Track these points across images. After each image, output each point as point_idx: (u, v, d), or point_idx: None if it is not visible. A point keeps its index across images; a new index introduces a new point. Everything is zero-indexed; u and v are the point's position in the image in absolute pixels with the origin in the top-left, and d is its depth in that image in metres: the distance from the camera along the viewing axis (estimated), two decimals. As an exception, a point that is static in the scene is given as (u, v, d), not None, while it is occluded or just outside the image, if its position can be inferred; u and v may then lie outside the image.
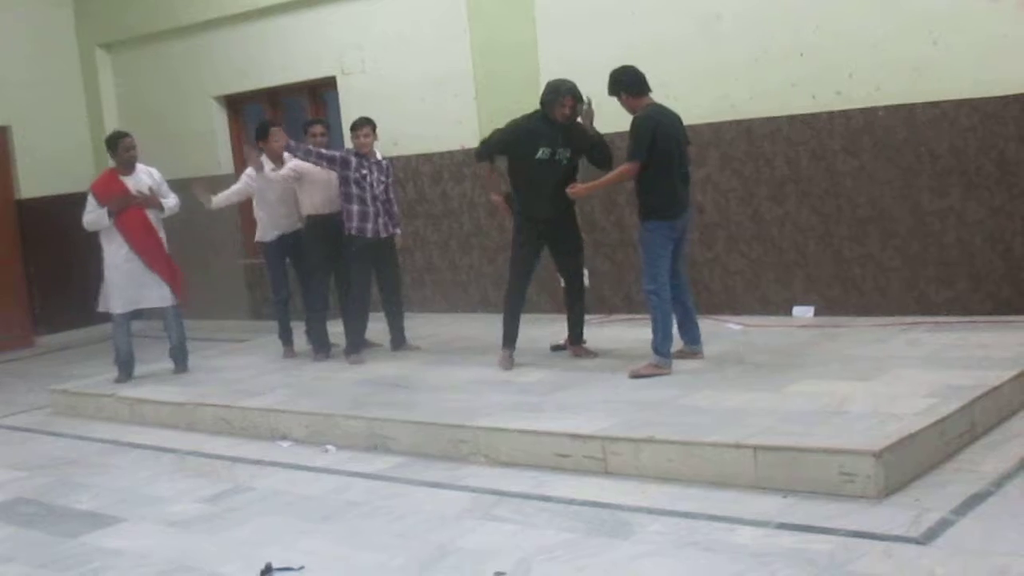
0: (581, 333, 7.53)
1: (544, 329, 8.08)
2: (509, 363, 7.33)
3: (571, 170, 7.24)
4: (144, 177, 8.52)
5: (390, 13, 9.87)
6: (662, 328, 6.56)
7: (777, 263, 8.06)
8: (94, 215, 8.33)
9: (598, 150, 7.20)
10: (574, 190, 7.02)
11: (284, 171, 8.18)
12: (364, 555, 4.79)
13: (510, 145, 7.25)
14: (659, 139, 6.51)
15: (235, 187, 8.74)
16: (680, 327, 6.88)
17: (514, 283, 7.41)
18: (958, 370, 5.98)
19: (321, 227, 8.20)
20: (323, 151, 7.97)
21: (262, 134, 8.35)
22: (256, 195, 8.56)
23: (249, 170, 8.52)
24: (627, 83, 6.65)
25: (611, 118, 7.03)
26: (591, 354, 7.41)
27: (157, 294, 8.50)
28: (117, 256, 8.36)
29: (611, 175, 6.82)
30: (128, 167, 8.46)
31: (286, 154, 8.02)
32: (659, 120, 6.57)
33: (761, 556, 4.25)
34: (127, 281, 8.38)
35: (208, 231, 11.51)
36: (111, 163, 8.69)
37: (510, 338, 7.40)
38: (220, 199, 8.69)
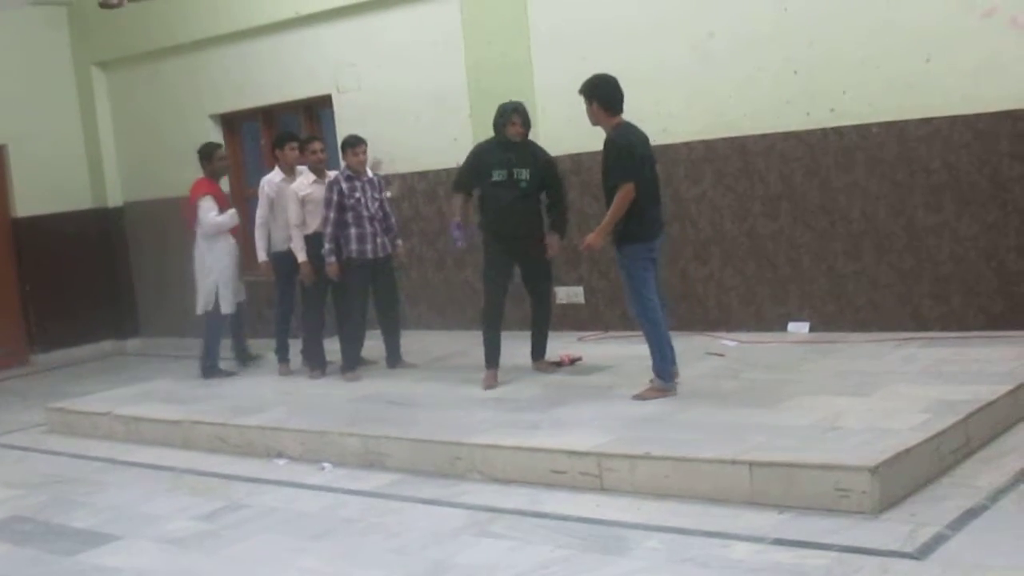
0: (544, 349, 7.67)
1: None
2: (494, 382, 7.34)
3: (535, 193, 7.37)
4: None
5: (385, 31, 9.89)
6: (658, 349, 6.49)
7: (772, 279, 8.07)
8: (224, 217, 8.59)
9: (556, 188, 7.51)
10: (588, 243, 6.55)
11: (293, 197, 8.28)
12: (360, 572, 4.80)
13: (472, 169, 7.50)
14: (638, 160, 6.41)
15: (259, 239, 8.66)
16: None
17: (488, 302, 7.50)
18: (953, 385, 5.99)
19: (315, 245, 8.20)
20: (331, 215, 7.95)
21: (279, 143, 8.63)
22: (271, 209, 8.55)
23: (267, 178, 8.60)
24: (604, 97, 6.45)
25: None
26: (553, 367, 7.55)
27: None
28: (233, 257, 8.73)
29: (614, 207, 6.37)
30: (220, 176, 8.79)
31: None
32: (634, 140, 6.46)
33: (756, 572, 4.26)
34: (236, 282, 8.80)
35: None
36: (201, 174, 8.84)
37: (492, 357, 7.44)
38: (260, 247, 8.68)
